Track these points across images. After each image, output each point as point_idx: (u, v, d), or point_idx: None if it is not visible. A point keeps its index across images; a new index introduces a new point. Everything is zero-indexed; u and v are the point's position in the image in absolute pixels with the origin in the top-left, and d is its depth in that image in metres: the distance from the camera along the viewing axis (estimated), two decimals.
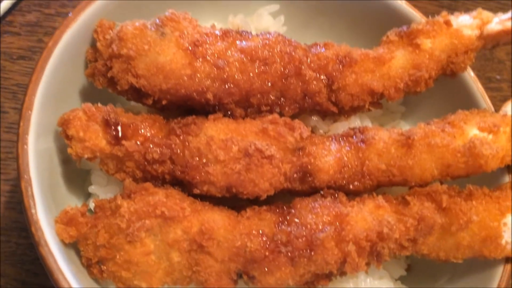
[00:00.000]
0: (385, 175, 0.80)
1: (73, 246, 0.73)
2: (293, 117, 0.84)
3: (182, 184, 0.77)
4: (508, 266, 0.80)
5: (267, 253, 0.72)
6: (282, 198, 0.81)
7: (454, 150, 0.80)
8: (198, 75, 0.78)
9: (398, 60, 0.88)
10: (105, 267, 0.72)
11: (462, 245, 0.77)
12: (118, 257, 0.70)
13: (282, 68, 0.82)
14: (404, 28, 0.91)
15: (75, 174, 0.84)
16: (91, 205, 0.77)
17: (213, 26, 0.85)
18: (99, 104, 0.77)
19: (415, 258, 0.94)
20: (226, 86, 0.79)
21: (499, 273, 0.80)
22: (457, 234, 0.77)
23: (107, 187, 0.81)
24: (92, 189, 0.81)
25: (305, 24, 1.10)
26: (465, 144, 0.80)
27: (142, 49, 0.77)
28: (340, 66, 0.85)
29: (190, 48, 0.78)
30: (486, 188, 0.81)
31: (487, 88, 1.48)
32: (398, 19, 0.99)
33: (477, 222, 0.77)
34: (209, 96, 0.78)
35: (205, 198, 0.78)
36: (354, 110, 0.90)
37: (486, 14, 0.91)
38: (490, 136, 0.83)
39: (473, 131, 0.83)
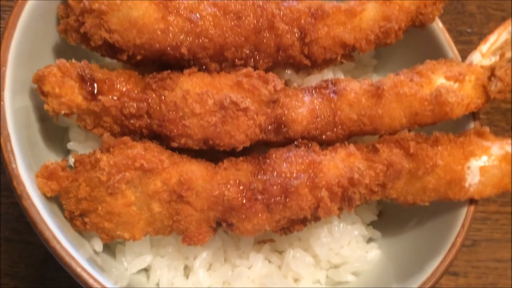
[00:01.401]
0: (357, 125, 0.83)
1: (55, 200, 0.75)
2: (267, 71, 0.85)
3: (160, 138, 0.79)
4: (472, 208, 0.85)
5: (244, 201, 0.76)
6: (258, 150, 0.83)
7: (421, 98, 0.83)
8: (172, 29, 0.79)
9: (369, 12, 0.90)
10: (87, 219, 0.74)
11: (428, 188, 0.82)
12: (100, 209, 0.73)
13: (255, 22, 0.83)
14: None
15: (54, 131, 0.85)
16: (71, 161, 0.78)
17: None
18: (74, 60, 0.77)
19: (386, 204, 0.99)
20: (200, 41, 0.80)
21: (463, 214, 0.84)
22: (423, 178, 0.81)
23: (85, 143, 0.83)
24: (70, 145, 0.82)
25: None
26: (432, 92, 0.84)
27: (114, 3, 0.76)
28: (312, 19, 0.86)
29: (162, 2, 0.78)
30: (452, 135, 0.85)
31: (458, 41, 1.52)
32: None
33: (442, 166, 0.81)
34: (183, 50, 0.79)
35: (183, 152, 0.80)
36: (327, 63, 0.92)
37: None
38: (456, 85, 0.86)
39: (440, 80, 0.86)
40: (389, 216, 0.98)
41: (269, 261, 0.86)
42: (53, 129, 0.85)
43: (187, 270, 0.85)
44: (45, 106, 0.75)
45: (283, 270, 0.86)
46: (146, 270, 0.84)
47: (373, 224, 0.96)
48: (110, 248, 0.84)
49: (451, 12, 1.53)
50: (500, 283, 1.22)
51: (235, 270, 0.83)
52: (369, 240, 0.95)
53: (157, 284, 0.82)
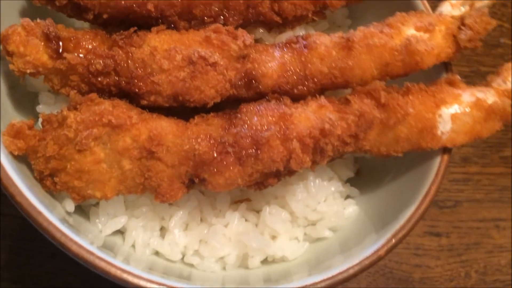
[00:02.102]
0: (328, 78, 0.83)
1: (24, 162, 0.74)
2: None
3: (130, 97, 0.79)
4: (445, 156, 0.85)
5: (215, 155, 0.75)
6: (230, 108, 0.83)
7: (392, 49, 0.83)
8: None
9: None
10: (57, 179, 0.73)
11: (400, 138, 0.82)
12: (69, 167, 0.72)
13: None
14: None
15: (24, 98, 0.85)
16: (40, 124, 0.77)
17: None
18: (38, 20, 0.77)
19: (363, 163, 0.99)
20: None
21: (437, 163, 0.84)
22: (395, 127, 0.81)
23: (55, 105, 0.82)
24: (39, 108, 0.82)
25: None
26: (402, 42, 0.84)
27: None
28: None
29: None
30: (423, 84, 0.85)
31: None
32: None
33: (413, 114, 0.81)
34: (150, 7, 0.78)
35: (154, 111, 0.79)
36: (298, 20, 0.92)
37: None
38: (426, 35, 0.86)
39: (410, 31, 0.86)
40: (366, 174, 0.98)
41: (246, 220, 0.86)
42: (23, 95, 0.84)
43: (163, 231, 0.85)
44: (10, 66, 0.74)
45: (259, 228, 0.86)
46: (121, 232, 0.84)
47: (351, 182, 0.96)
48: (84, 210, 0.83)
49: None
50: (482, 242, 1.22)
51: (211, 228, 0.83)
52: (347, 197, 0.95)
53: (133, 245, 0.82)
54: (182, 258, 0.84)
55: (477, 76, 1.42)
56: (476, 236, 1.23)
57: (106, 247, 0.78)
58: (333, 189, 0.91)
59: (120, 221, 0.81)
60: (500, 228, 1.25)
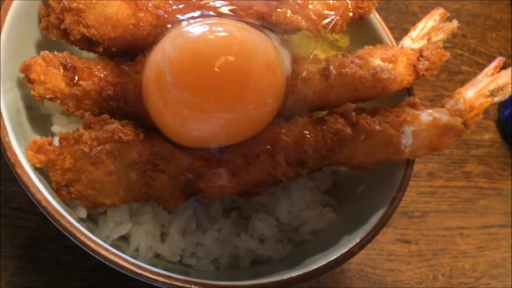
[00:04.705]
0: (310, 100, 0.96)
1: (43, 175, 0.85)
2: None
3: (137, 118, 0.90)
4: (409, 168, 0.98)
5: (210, 168, 0.87)
6: None
7: (361, 77, 0.97)
8: (142, 24, 0.91)
9: (315, 6, 1.04)
10: (72, 189, 0.84)
11: (370, 152, 0.95)
12: (83, 177, 0.83)
13: None
14: None
15: (38, 119, 0.95)
16: (56, 142, 0.88)
17: None
18: (56, 52, 0.88)
19: (339, 175, 1.12)
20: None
21: (402, 173, 0.98)
22: (365, 142, 0.94)
23: (68, 126, 0.93)
24: (54, 128, 0.92)
25: None
26: (369, 72, 0.97)
27: (90, 2, 0.88)
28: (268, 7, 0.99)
29: (133, 1, 0.91)
30: (388, 106, 0.99)
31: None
32: None
33: (380, 131, 0.94)
34: (151, 40, 0.91)
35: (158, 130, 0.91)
36: None
37: None
38: (390, 65, 1.00)
39: (376, 62, 1.00)
40: (342, 185, 1.11)
41: (237, 225, 0.98)
42: (37, 117, 0.95)
43: (163, 236, 0.95)
44: (32, 92, 0.85)
45: (249, 232, 0.97)
46: (126, 238, 0.94)
47: (329, 192, 1.09)
48: (93, 219, 0.93)
49: (396, 12, 1.71)
50: (448, 248, 1.35)
51: (206, 233, 0.94)
52: (326, 205, 1.07)
53: (137, 248, 0.92)
54: (181, 260, 0.95)
55: (440, 100, 1.56)
56: (442, 243, 1.36)
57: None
58: (313, 198, 1.03)
59: (125, 228, 0.92)
60: (464, 235, 1.38)
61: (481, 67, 1.65)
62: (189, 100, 0.79)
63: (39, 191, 0.77)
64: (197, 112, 0.80)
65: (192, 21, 0.88)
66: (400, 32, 1.67)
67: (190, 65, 0.80)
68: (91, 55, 0.97)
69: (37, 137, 0.83)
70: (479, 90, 0.99)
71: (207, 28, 0.85)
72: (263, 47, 0.86)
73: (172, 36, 0.86)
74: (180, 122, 0.82)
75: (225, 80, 0.80)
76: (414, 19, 1.70)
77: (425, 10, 1.71)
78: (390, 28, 1.64)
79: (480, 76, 1.02)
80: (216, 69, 0.79)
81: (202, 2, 0.94)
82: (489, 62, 1.67)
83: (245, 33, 0.85)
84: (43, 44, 0.95)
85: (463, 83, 1.65)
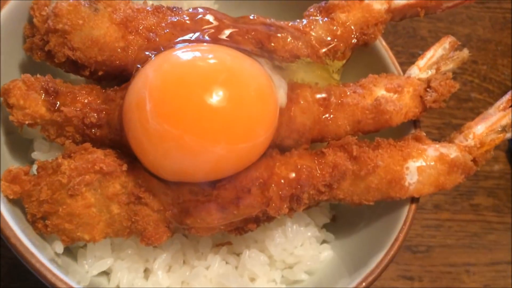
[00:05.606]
0: (308, 131, 0.89)
1: (18, 205, 0.79)
2: None
3: (121, 147, 0.85)
4: (413, 206, 0.92)
5: (198, 203, 0.81)
6: None
7: (364, 108, 0.91)
8: (131, 47, 0.85)
9: (317, 31, 0.98)
10: (49, 222, 0.78)
11: (371, 188, 0.88)
12: (60, 210, 0.77)
13: None
14: (323, 3, 1.02)
15: (19, 143, 0.90)
16: (34, 169, 0.83)
17: (145, 3, 0.92)
18: (38, 75, 0.83)
19: (339, 209, 1.05)
20: None
21: (405, 211, 0.91)
22: (366, 178, 0.88)
23: (49, 153, 0.88)
24: (34, 155, 0.87)
25: (237, 3, 1.18)
26: (373, 102, 0.92)
27: (76, 24, 0.83)
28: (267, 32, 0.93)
29: (123, 23, 0.85)
30: (392, 140, 0.93)
31: (411, 62, 1.60)
32: None
33: (382, 167, 0.88)
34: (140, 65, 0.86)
35: None
36: None
37: None
38: (395, 96, 0.94)
39: (380, 92, 0.94)
40: (341, 220, 1.04)
41: (227, 262, 0.91)
42: (18, 141, 0.90)
43: (147, 272, 0.89)
44: (10, 117, 0.80)
45: (239, 270, 0.90)
46: (107, 273, 0.88)
47: (327, 227, 1.02)
48: (72, 252, 0.87)
49: (404, 36, 1.65)
50: (453, 286, 1.28)
51: (193, 271, 0.88)
52: (323, 242, 1.00)
53: (118, 285, 0.86)
54: None
55: (448, 128, 1.51)
56: (448, 280, 1.28)
57: (92, 285, 0.82)
58: (309, 234, 0.97)
59: (106, 263, 0.86)
60: (470, 272, 1.31)
61: (492, 94, 1.60)
62: (170, 132, 0.73)
63: (8, 226, 0.71)
64: (178, 145, 0.73)
65: (180, 45, 0.83)
66: (407, 56, 1.61)
67: (172, 94, 0.75)
68: (79, 77, 0.92)
69: (12, 167, 0.78)
70: (490, 125, 0.93)
71: (194, 54, 0.80)
72: (254, 76, 0.81)
73: (156, 61, 0.81)
74: (160, 155, 0.76)
75: (210, 111, 0.74)
76: (423, 43, 1.64)
77: (434, 35, 1.66)
78: (398, 52, 1.60)
79: (491, 110, 0.95)
80: (201, 99, 0.73)
81: (198, 26, 0.89)
82: (500, 89, 1.63)
83: (235, 61, 0.80)
84: (27, 66, 0.90)
85: (472, 110, 1.62)
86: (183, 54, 0.80)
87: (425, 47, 1.68)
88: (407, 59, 1.61)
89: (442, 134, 1.50)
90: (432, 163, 0.90)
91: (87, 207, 0.78)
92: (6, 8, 0.84)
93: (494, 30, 1.70)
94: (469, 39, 1.66)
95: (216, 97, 0.73)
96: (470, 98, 1.59)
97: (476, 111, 1.56)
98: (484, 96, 1.60)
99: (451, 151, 0.91)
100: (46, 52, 0.85)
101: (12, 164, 0.86)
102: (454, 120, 1.54)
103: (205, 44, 0.84)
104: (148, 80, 0.77)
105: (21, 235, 0.72)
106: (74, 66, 0.86)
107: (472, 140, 0.92)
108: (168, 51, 0.82)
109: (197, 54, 0.80)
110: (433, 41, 1.66)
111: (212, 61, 0.79)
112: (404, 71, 1.05)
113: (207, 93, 0.73)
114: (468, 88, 1.61)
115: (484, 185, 1.47)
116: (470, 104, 1.58)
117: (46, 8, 0.86)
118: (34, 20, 0.85)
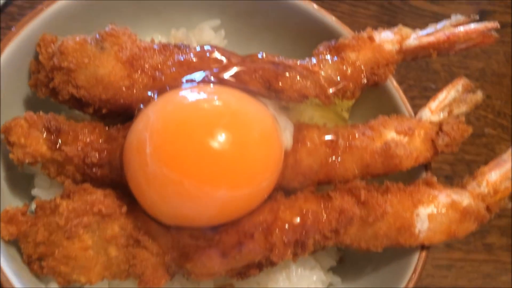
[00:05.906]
0: (314, 173, 0.87)
1: (14, 245, 0.78)
2: None
3: (122, 187, 0.83)
4: (423, 254, 0.88)
5: (198, 248, 0.78)
6: None
7: (372, 151, 0.88)
8: (136, 86, 0.84)
9: (327, 71, 0.96)
10: (45, 263, 0.76)
11: (379, 234, 0.85)
12: (57, 252, 0.75)
13: None
14: (333, 42, 0.99)
15: (20, 178, 0.89)
16: (33, 207, 0.81)
17: (152, 41, 0.91)
18: (41, 113, 0.82)
19: (346, 251, 1.02)
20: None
21: (415, 260, 0.88)
22: (374, 224, 0.84)
23: (50, 189, 0.86)
24: (35, 191, 0.86)
25: (247, 38, 1.16)
26: (382, 146, 0.89)
27: (82, 62, 0.82)
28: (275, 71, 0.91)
29: (129, 61, 0.84)
30: (401, 184, 0.89)
31: (423, 96, 1.60)
32: (330, 33, 1.06)
33: (392, 213, 0.84)
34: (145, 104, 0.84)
35: None
36: None
37: (405, 30, 1.00)
38: (406, 139, 0.91)
39: (390, 134, 0.91)
40: (349, 262, 1.01)
41: None
42: (19, 177, 0.88)
43: None
44: (10, 155, 0.79)
45: None
46: None
47: (333, 270, 0.99)
48: None
49: (416, 70, 1.62)
50: None
51: None
52: (329, 285, 0.97)
53: None
54: None
55: (461, 164, 1.47)
56: None
57: None
58: (315, 278, 0.93)
59: None
60: None
61: (506, 130, 1.56)
62: (170, 177, 0.71)
63: (1, 271, 0.69)
64: (178, 190, 0.71)
65: (185, 86, 0.81)
66: (419, 90, 1.58)
67: (173, 137, 0.73)
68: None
69: (9, 207, 0.76)
70: (504, 172, 0.89)
71: (196, 96, 0.78)
72: (258, 119, 0.79)
73: (158, 103, 0.79)
74: (159, 200, 0.74)
75: (211, 155, 0.71)
76: (435, 77, 1.61)
77: (448, 68, 1.63)
78: (410, 86, 1.57)
79: (505, 156, 0.92)
80: (202, 143, 0.71)
81: (205, 65, 0.87)
82: None
83: (238, 104, 0.78)
84: (31, 101, 0.90)
85: (486, 146, 1.58)
86: (185, 96, 0.78)
87: (438, 81, 1.67)
88: (419, 93, 1.58)
89: (454, 170, 1.46)
90: (444, 211, 0.86)
91: (84, 250, 0.76)
92: (12, 44, 0.84)
93: (509, 64, 1.67)
94: (483, 73, 1.63)
95: (217, 141, 0.71)
96: (483, 133, 1.55)
97: (489, 146, 1.52)
98: (498, 131, 1.56)
99: (464, 198, 0.88)
100: (51, 89, 0.84)
101: (13, 201, 0.86)
102: (467, 156, 1.50)
103: (209, 85, 0.82)
104: (149, 122, 0.75)
105: (14, 279, 0.70)
106: (78, 103, 0.85)
107: (486, 187, 0.88)
108: (170, 92, 0.81)
109: (199, 96, 0.78)
110: (446, 75, 1.65)
111: (214, 104, 0.77)
112: (416, 105, 1.02)
113: (208, 137, 0.71)
114: (482, 123, 1.57)
115: (497, 223, 1.42)
116: (483, 140, 1.54)
117: (52, 45, 0.85)
118: (40, 57, 0.85)
